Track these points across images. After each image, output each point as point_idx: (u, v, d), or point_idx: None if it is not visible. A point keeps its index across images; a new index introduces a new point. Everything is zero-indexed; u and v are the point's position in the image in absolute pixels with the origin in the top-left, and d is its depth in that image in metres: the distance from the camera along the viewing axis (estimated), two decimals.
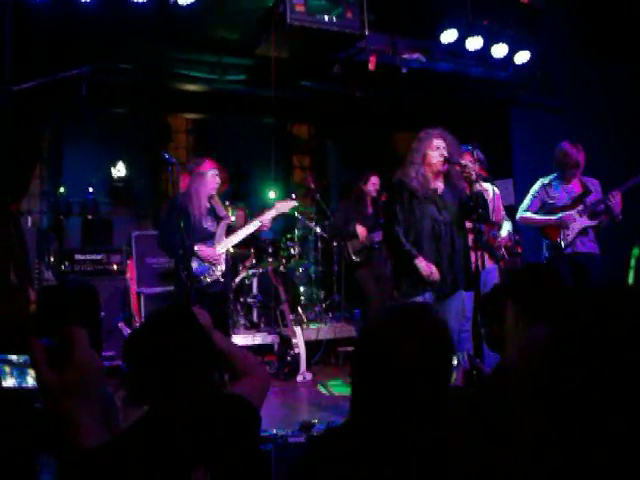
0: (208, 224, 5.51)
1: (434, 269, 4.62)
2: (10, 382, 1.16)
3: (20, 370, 1.16)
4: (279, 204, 5.88)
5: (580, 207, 5.76)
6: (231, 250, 5.75)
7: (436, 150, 4.72)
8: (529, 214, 5.94)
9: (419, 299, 4.65)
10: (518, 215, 6.03)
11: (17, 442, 1.28)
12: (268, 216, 5.70)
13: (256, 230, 5.75)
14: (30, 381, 1.15)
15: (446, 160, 4.69)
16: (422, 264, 4.58)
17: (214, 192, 5.58)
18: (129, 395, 1.80)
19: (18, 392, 1.15)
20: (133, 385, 1.70)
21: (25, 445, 1.26)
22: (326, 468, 1.63)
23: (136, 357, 1.76)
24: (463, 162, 4.64)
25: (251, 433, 1.89)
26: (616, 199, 5.60)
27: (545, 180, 5.96)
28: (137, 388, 1.71)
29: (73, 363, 1.13)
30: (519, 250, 6.84)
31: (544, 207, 5.90)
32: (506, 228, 5.90)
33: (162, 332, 1.82)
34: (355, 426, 1.70)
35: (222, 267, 5.49)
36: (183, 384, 1.74)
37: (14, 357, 1.17)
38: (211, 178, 5.50)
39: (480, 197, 4.72)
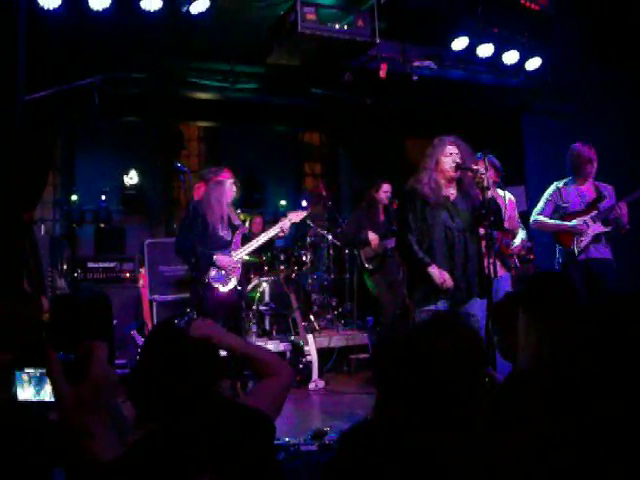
0: (224, 232, 5.54)
1: (447, 277, 4.59)
2: (28, 393, 1.16)
3: (38, 380, 1.16)
4: (291, 214, 5.94)
5: (594, 213, 5.73)
6: (245, 258, 5.77)
7: (449, 156, 4.70)
8: (543, 218, 5.91)
9: (432, 307, 4.63)
10: (532, 219, 6.00)
11: (32, 455, 1.28)
12: (286, 224, 5.75)
13: (274, 236, 5.80)
14: (47, 393, 1.16)
15: (458, 166, 4.68)
16: (435, 272, 4.56)
17: (230, 201, 5.62)
18: (137, 417, 1.81)
19: (34, 405, 1.16)
20: (139, 410, 1.71)
21: (40, 459, 1.27)
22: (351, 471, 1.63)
23: (138, 389, 1.77)
24: (475, 168, 4.62)
25: (262, 445, 1.88)
26: (622, 210, 5.61)
27: (560, 184, 5.95)
28: (142, 412, 1.71)
29: (90, 378, 1.13)
30: (531, 257, 6.82)
31: (558, 211, 5.87)
32: (520, 236, 5.87)
33: (154, 356, 1.81)
34: (378, 428, 1.70)
35: (238, 276, 5.53)
36: (183, 399, 1.75)
37: (31, 370, 1.17)
38: (229, 187, 5.55)
39: (493, 203, 4.70)
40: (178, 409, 1.73)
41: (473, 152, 4.87)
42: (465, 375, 1.65)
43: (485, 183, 4.57)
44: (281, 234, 5.81)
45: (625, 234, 5.73)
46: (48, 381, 1.14)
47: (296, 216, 5.96)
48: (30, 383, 1.16)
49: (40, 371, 1.17)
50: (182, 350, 1.84)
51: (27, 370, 1.16)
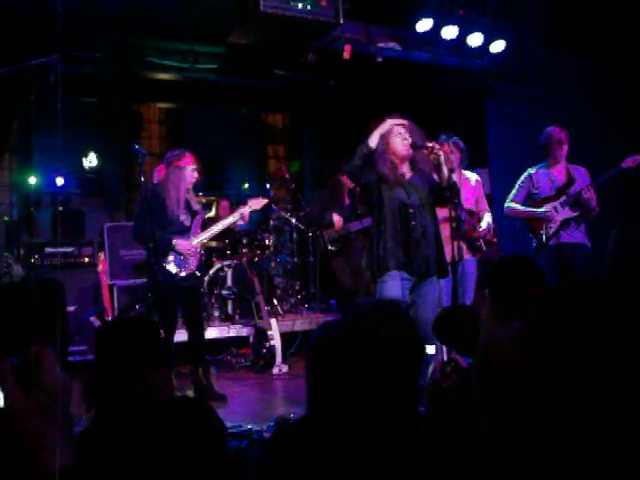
0: (183, 217, 5.44)
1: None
2: None
3: None
4: (252, 201, 5.88)
5: (563, 198, 5.77)
6: (206, 242, 5.69)
7: (399, 136, 4.61)
8: (515, 205, 5.96)
9: (392, 273, 4.45)
10: (505, 206, 6.05)
11: None
12: (246, 212, 5.70)
13: (234, 223, 5.74)
14: None
15: (413, 145, 4.58)
16: None
17: (191, 187, 5.52)
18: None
19: None
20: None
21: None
22: (283, 468, 1.58)
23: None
24: (429, 145, 4.53)
25: (210, 438, 1.80)
26: (590, 193, 5.65)
27: (532, 170, 6.00)
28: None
29: (44, 385, 1.05)
30: (494, 240, 6.83)
31: (530, 198, 5.92)
32: (486, 219, 5.87)
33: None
34: (312, 424, 1.65)
35: (197, 261, 5.45)
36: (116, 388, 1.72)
37: None
38: (190, 173, 5.43)
39: (455, 185, 4.65)
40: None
41: (419, 128, 4.76)
42: (404, 366, 1.61)
43: (441, 159, 4.52)
44: (241, 222, 5.76)
45: (596, 217, 5.75)
46: None
47: (257, 203, 5.90)
48: None
49: None
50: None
51: None
